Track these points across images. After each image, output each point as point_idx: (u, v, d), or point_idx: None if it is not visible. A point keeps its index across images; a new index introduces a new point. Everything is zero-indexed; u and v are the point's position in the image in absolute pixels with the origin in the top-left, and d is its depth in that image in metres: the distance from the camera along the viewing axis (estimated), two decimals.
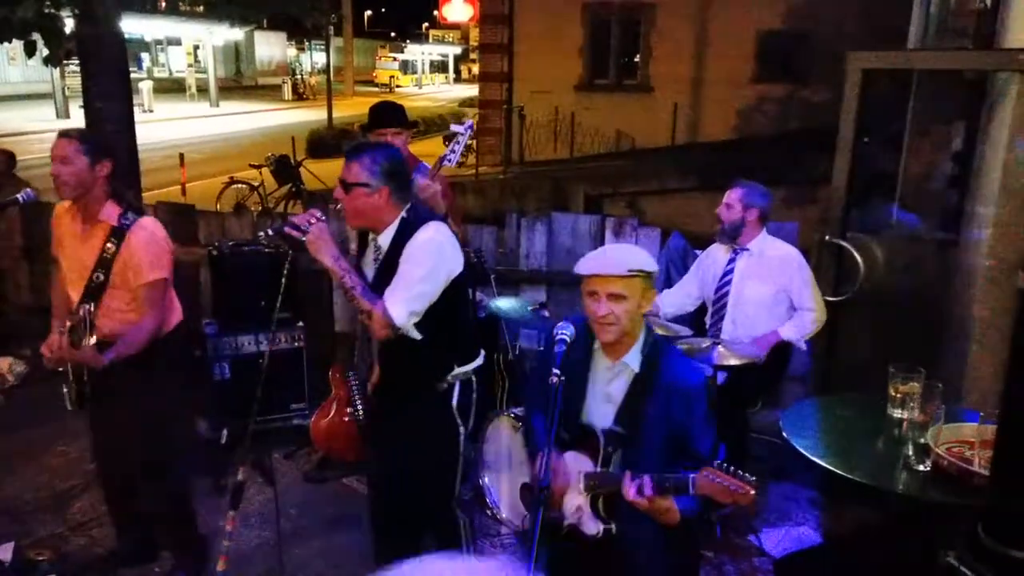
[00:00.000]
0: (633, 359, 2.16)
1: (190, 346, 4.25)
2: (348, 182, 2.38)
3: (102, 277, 2.76)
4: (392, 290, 2.36)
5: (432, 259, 2.39)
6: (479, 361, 2.62)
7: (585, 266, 2.14)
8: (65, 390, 2.91)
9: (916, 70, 3.59)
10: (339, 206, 2.45)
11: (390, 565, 1.08)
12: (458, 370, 2.53)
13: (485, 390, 2.71)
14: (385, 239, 2.45)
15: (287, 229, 2.35)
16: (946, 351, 3.35)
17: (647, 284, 2.13)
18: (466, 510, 2.79)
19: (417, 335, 2.41)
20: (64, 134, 2.77)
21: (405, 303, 2.35)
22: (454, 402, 2.54)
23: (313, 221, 2.34)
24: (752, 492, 1.87)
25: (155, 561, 3.19)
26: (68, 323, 2.78)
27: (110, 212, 2.78)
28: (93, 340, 2.66)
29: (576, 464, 2.19)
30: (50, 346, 2.85)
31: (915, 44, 3.83)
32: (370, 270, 2.53)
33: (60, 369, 2.89)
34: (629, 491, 2.00)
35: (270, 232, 2.48)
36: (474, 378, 2.60)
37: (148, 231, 2.80)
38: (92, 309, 2.69)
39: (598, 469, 2.14)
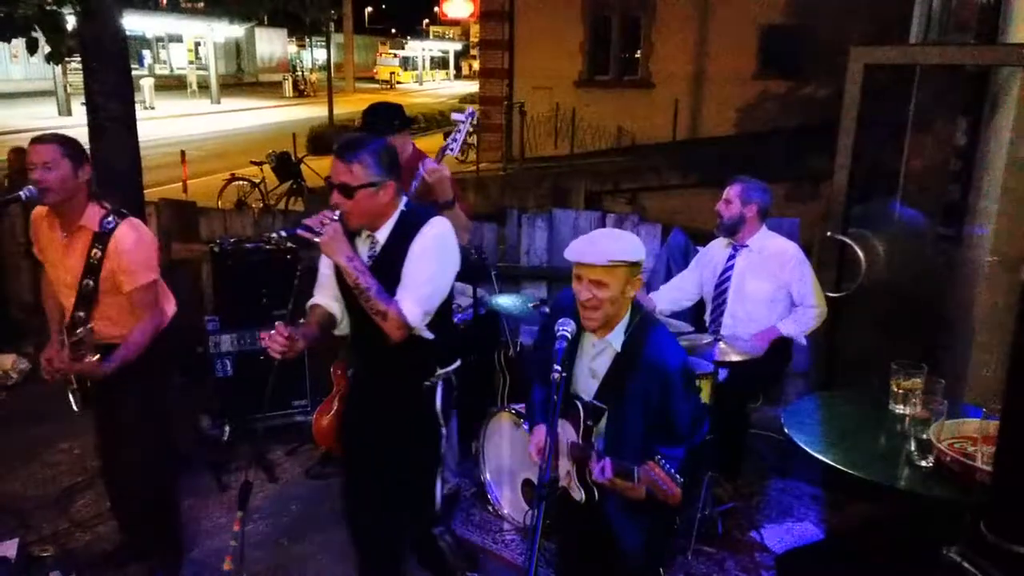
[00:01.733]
0: (616, 338, 2.21)
1: (192, 342, 4.27)
2: (352, 186, 2.27)
3: (92, 284, 2.73)
4: (405, 289, 2.31)
5: (444, 257, 2.36)
6: (458, 363, 2.57)
7: (571, 251, 2.18)
8: (69, 393, 2.90)
9: (918, 65, 3.59)
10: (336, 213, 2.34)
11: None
12: (441, 371, 2.49)
13: (461, 393, 2.64)
14: (383, 234, 2.38)
15: (300, 231, 2.29)
16: (948, 347, 3.35)
17: (631, 272, 2.17)
18: (445, 522, 2.76)
19: (429, 335, 2.39)
20: (40, 139, 2.68)
21: (419, 303, 2.31)
22: (438, 403, 2.49)
23: (327, 222, 2.28)
24: (674, 494, 1.99)
25: (156, 558, 3.19)
26: (68, 338, 2.72)
27: (91, 217, 2.72)
28: (96, 358, 2.62)
29: (564, 433, 2.28)
30: (50, 359, 2.82)
31: (917, 39, 3.82)
32: None
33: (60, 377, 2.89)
34: (594, 470, 2.13)
35: (282, 234, 2.43)
36: (454, 379, 2.55)
37: (132, 235, 2.74)
38: (91, 328, 2.63)
39: (579, 441, 2.24)
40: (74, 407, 2.92)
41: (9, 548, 3.13)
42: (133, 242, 2.74)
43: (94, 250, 2.71)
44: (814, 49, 12.18)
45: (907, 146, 3.70)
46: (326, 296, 2.53)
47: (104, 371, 2.65)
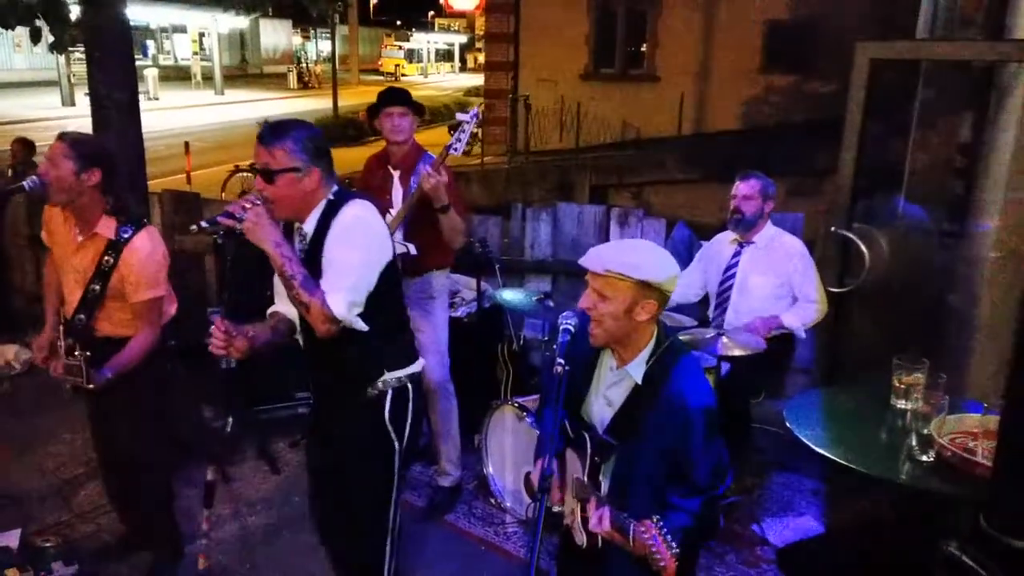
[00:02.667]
0: (636, 369, 2.01)
1: (196, 334, 4.27)
2: (272, 169, 2.11)
3: (98, 289, 2.71)
4: (326, 278, 2.12)
5: (365, 240, 2.16)
6: (415, 367, 2.36)
7: (585, 255, 2.04)
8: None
9: (924, 60, 3.57)
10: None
11: None
12: (389, 375, 2.27)
13: (422, 403, 2.42)
14: (310, 225, 2.20)
15: (221, 218, 2.11)
16: (950, 342, 3.34)
17: (641, 292, 1.93)
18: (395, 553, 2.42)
19: (364, 326, 2.16)
20: (60, 136, 2.67)
21: (343, 293, 2.10)
22: (386, 413, 2.27)
23: (248, 206, 2.11)
24: (668, 566, 1.78)
25: (155, 551, 3.19)
26: (63, 340, 2.67)
27: (106, 226, 2.70)
28: (91, 386, 2.59)
29: (572, 465, 2.12)
30: (41, 348, 2.82)
31: (923, 34, 3.80)
32: None
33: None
34: (592, 519, 1.96)
35: (204, 224, 2.18)
36: (410, 386, 2.33)
37: (147, 248, 2.71)
38: (88, 355, 2.57)
39: (585, 478, 2.07)
40: (67, 392, 2.90)
41: (11, 538, 3.15)
42: (146, 255, 2.71)
43: (107, 257, 2.69)
44: (819, 44, 12.12)
45: (911, 142, 3.68)
46: (285, 300, 2.31)
47: (98, 384, 2.60)
